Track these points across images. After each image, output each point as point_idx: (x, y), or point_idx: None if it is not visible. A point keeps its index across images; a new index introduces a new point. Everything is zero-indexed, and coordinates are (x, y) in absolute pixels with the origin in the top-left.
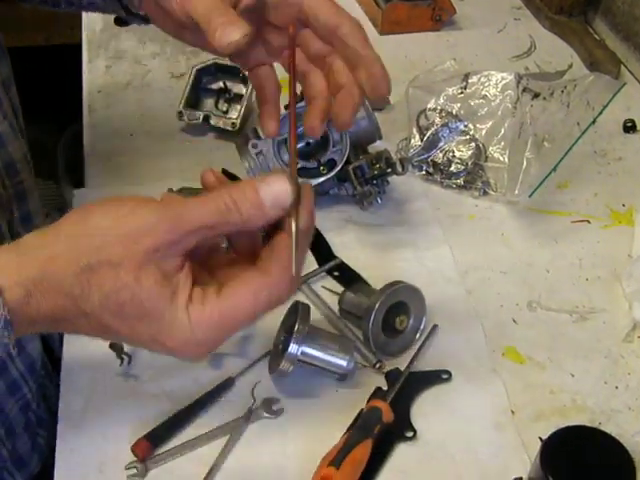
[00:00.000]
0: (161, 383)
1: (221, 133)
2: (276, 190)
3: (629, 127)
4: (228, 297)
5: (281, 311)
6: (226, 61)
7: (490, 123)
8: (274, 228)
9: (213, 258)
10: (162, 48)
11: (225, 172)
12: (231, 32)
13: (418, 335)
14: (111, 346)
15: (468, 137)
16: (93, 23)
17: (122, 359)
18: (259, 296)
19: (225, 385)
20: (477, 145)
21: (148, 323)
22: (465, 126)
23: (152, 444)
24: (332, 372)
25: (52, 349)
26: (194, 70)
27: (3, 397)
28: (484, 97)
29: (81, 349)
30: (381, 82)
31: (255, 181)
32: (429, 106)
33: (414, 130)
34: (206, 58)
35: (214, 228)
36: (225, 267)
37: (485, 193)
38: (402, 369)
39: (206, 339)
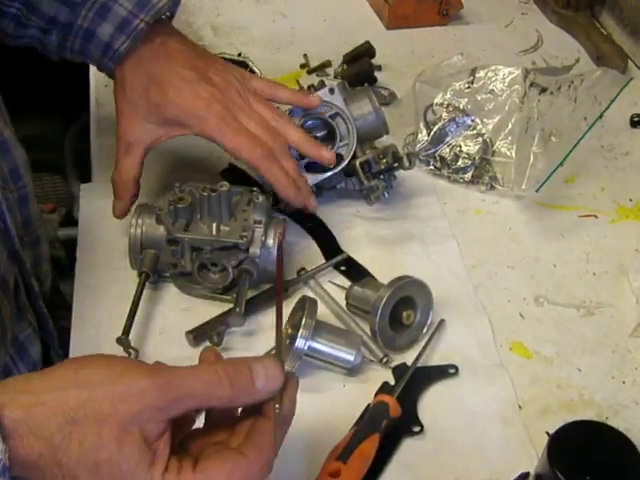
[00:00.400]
0: None
1: None
2: (270, 374)
3: (636, 122)
4: (203, 472)
5: (288, 306)
6: (234, 55)
7: (497, 118)
8: (253, 406)
9: (187, 427)
10: None
11: (232, 167)
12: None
13: (425, 330)
14: (118, 340)
15: (475, 132)
16: None
17: (129, 353)
18: (233, 476)
19: None
20: (484, 140)
21: None
22: (472, 121)
23: None
24: (339, 367)
25: (52, 351)
26: None
27: None
28: (491, 92)
29: (89, 341)
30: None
31: (250, 361)
32: (436, 101)
33: (421, 125)
34: (213, 52)
35: (202, 400)
36: (198, 438)
37: (492, 188)
38: (409, 364)
39: None
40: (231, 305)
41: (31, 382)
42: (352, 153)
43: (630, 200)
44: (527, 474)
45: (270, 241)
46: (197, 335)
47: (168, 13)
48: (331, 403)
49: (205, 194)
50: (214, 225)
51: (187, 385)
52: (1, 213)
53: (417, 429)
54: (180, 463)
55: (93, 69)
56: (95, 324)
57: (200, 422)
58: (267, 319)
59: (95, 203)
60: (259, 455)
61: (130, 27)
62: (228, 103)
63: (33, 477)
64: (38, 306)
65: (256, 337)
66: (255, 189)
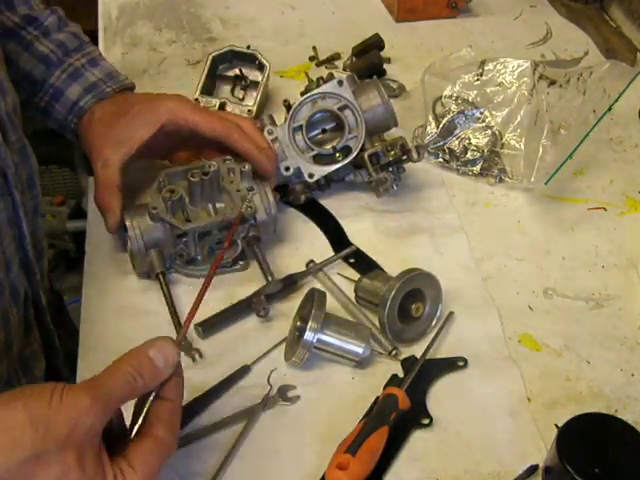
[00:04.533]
0: None
1: None
2: (165, 352)
3: None
4: (139, 465)
5: (297, 299)
6: (242, 48)
7: (506, 110)
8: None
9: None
10: (178, 35)
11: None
12: None
13: (434, 322)
14: (182, 347)
15: (484, 124)
16: (109, 10)
17: (193, 357)
18: (161, 456)
19: (241, 372)
20: (493, 132)
21: None
22: (481, 113)
23: None
24: (348, 359)
25: (57, 369)
26: (210, 57)
27: None
28: (500, 84)
29: (97, 338)
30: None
31: (145, 348)
32: (445, 93)
33: (430, 117)
34: (222, 45)
35: (127, 398)
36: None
37: (501, 180)
38: (418, 356)
39: None
40: (241, 274)
41: None
42: (360, 145)
43: (639, 192)
44: (536, 466)
45: (270, 198)
46: (206, 327)
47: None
48: (340, 395)
49: (197, 179)
50: (209, 206)
51: (115, 392)
52: (18, 219)
53: (426, 421)
54: (119, 467)
55: None
56: (104, 317)
57: None
58: (278, 311)
59: None
60: (169, 432)
61: (97, 90)
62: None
63: None
64: (45, 321)
65: (267, 328)
66: (228, 157)
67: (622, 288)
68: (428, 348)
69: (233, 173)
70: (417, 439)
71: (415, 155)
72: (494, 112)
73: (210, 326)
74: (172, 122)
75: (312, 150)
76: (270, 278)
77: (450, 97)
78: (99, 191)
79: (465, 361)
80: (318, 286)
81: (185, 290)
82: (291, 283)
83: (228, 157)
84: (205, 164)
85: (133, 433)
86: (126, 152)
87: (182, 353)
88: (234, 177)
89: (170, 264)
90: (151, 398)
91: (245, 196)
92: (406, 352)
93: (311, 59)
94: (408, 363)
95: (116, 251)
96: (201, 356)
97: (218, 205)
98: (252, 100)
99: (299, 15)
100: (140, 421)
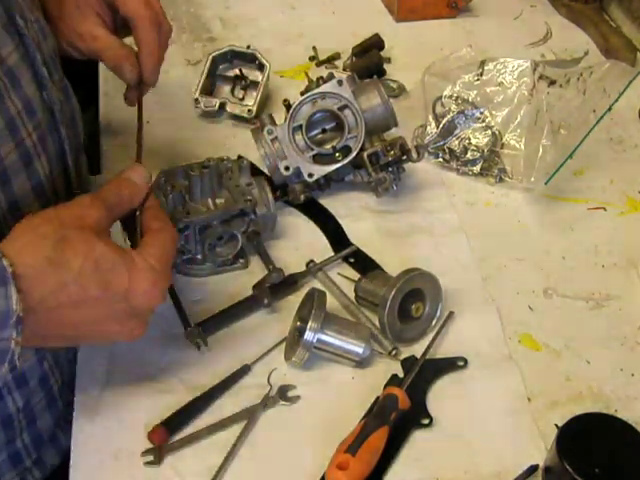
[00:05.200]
0: (177, 370)
1: (237, 120)
2: (134, 170)
3: None
4: (151, 240)
5: (297, 299)
6: (242, 48)
7: (506, 110)
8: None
9: None
10: (178, 35)
11: (253, 167)
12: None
13: (434, 322)
14: (187, 334)
15: (484, 124)
16: None
17: (198, 344)
18: (172, 243)
19: (241, 372)
20: (493, 132)
21: (120, 272)
22: (481, 113)
23: (168, 431)
24: (348, 359)
25: None
26: (210, 57)
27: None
28: (500, 84)
29: (95, 365)
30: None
31: (119, 176)
32: (445, 93)
33: (430, 117)
34: (222, 45)
35: (119, 206)
36: None
37: (501, 180)
38: (418, 356)
39: (158, 264)
40: (241, 273)
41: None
42: (360, 145)
43: (639, 192)
44: (536, 466)
45: (270, 196)
46: (206, 327)
47: None
48: (340, 395)
49: (197, 173)
50: (209, 200)
51: (110, 197)
52: (63, 152)
53: (426, 421)
54: (137, 252)
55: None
56: None
57: None
58: (278, 310)
59: None
60: (167, 222)
61: None
62: None
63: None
64: None
65: (267, 328)
66: (226, 157)
67: (622, 288)
68: (428, 348)
69: (232, 171)
70: (417, 439)
71: (415, 155)
72: (494, 112)
73: (210, 326)
74: None
75: (312, 150)
76: (271, 267)
77: (450, 97)
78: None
79: (465, 361)
80: (318, 286)
81: (185, 289)
82: (291, 283)
83: (226, 157)
84: (204, 160)
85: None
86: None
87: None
88: (232, 174)
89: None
90: (138, 213)
91: (246, 190)
92: (406, 352)
93: (311, 59)
94: (408, 363)
95: None
96: (206, 344)
97: (218, 200)
98: (252, 100)
99: (299, 15)
100: (138, 229)
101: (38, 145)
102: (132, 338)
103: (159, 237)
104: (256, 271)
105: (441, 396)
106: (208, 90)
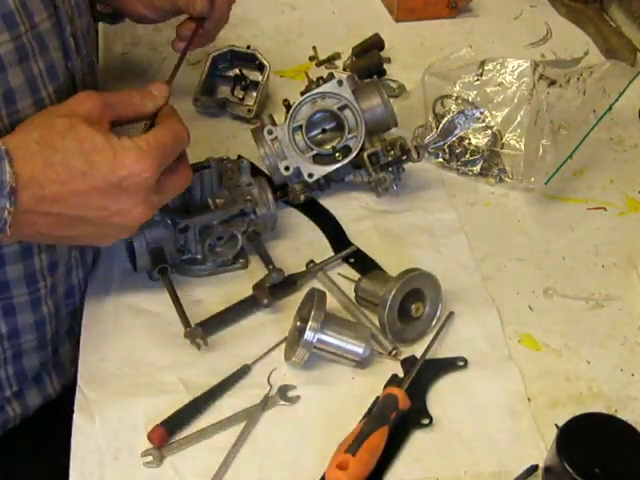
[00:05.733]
0: (177, 370)
1: (237, 120)
2: (158, 87)
3: None
4: (154, 131)
5: (297, 299)
6: (242, 48)
7: (506, 110)
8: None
9: None
10: None
11: (253, 167)
12: None
13: (434, 322)
14: (187, 333)
15: (484, 124)
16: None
17: (199, 345)
18: (173, 129)
19: (241, 372)
20: (493, 132)
21: (104, 151)
22: (481, 113)
23: (168, 431)
24: (348, 359)
25: None
26: (210, 57)
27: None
28: (500, 84)
29: (98, 337)
30: None
31: (141, 88)
32: (445, 93)
33: (430, 117)
34: (222, 45)
35: (126, 106)
36: None
37: (501, 180)
38: (418, 356)
39: (153, 148)
40: (241, 273)
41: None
42: (360, 145)
43: (639, 192)
44: (536, 466)
45: (270, 196)
46: (206, 327)
47: None
48: (340, 395)
49: (197, 173)
50: (209, 200)
51: (114, 95)
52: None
53: (426, 421)
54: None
55: (102, 62)
56: (105, 317)
57: None
58: (278, 310)
59: None
60: (175, 124)
61: None
62: None
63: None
64: None
65: (267, 328)
66: (226, 157)
67: (622, 288)
68: (428, 348)
69: (232, 171)
70: (417, 439)
71: (415, 155)
72: (494, 112)
73: (210, 326)
74: None
75: (312, 150)
76: (271, 267)
77: (450, 97)
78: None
79: (465, 361)
80: (318, 286)
81: (185, 290)
82: (291, 283)
83: (226, 157)
84: (204, 160)
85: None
86: None
87: (188, 340)
88: (232, 174)
89: (171, 263)
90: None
91: (246, 191)
92: (406, 352)
93: (311, 59)
94: (408, 363)
95: (116, 251)
96: (206, 344)
97: (218, 200)
98: (252, 100)
99: (299, 15)
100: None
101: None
102: (133, 220)
103: (158, 128)
104: (256, 271)
105: (441, 396)
106: (208, 90)
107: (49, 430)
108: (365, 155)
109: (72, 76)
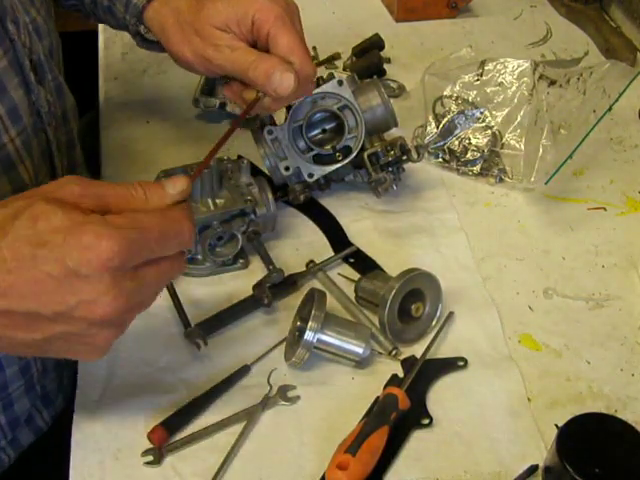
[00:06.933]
0: (177, 370)
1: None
2: (175, 180)
3: None
4: (138, 211)
5: (297, 299)
6: None
7: (506, 110)
8: None
9: None
10: None
11: (253, 167)
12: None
13: (434, 322)
14: (187, 334)
15: (484, 124)
16: None
17: (199, 345)
18: (168, 217)
19: (241, 372)
20: (493, 132)
21: (60, 228)
22: (481, 113)
23: (168, 431)
24: (348, 359)
25: None
26: None
27: None
28: (500, 84)
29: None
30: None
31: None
32: (445, 93)
33: (430, 117)
34: None
35: (119, 199)
36: None
37: (501, 180)
38: (418, 356)
39: (120, 233)
40: (241, 273)
41: None
42: (360, 145)
43: (639, 192)
44: (536, 466)
45: (270, 196)
46: (206, 327)
47: None
48: (340, 395)
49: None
50: (209, 201)
51: (104, 185)
52: (50, 153)
53: (426, 421)
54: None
55: (102, 62)
56: None
57: None
58: (278, 311)
59: None
60: (186, 212)
61: None
62: None
63: None
64: None
65: (267, 328)
66: (226, 157)
67: (622, 288)
68: (428, 348)
69: (232, 171)
70: (417, 439)
71: (415, 155)
72: (494, 112)
73: (210, 326)
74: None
75: (312, 150)
76: (272, 267)
77: (450, 97)
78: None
79: (465, 361)
80: (318, 286)
81: (185, 290)
82: (291, 283)
83: (226, 157)
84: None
85: None
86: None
87: (186, 340)
88: (232, 174)
89: None
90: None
91: (246, 191)
92: (406, 352)
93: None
94: (408, 363)
95: None
96: (206, 344)
97: (218, 200)
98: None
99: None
100: None
101: (22, 150)
102: (101, 315)
103: (149, 210)
104: (256, 271)
105: (441, 396)
106: (208, 90)
107: (42, 461)
108: (365, 155)
109: (37, 111)
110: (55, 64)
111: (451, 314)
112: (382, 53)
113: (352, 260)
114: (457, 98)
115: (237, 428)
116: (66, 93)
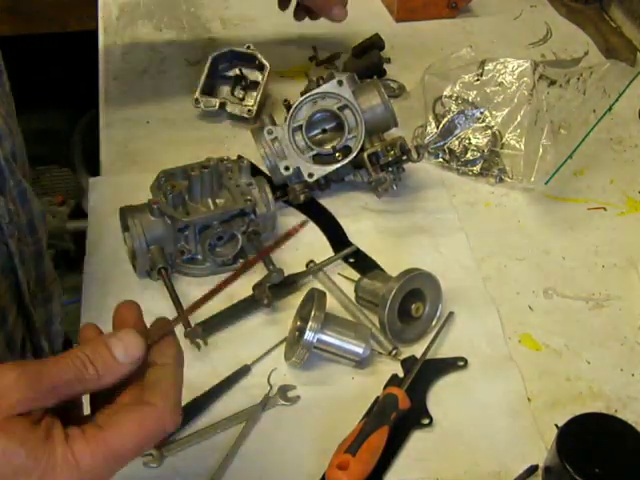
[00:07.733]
0: None
1: (237, 120)
2: (127, 343)
3: None
4: (113, 427)
5: (297, 299)
6: (242, 48)
7: (506, 110)
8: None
9: (74, 411)
10: (178, 35)
11: (253, 167)
12: None
13: (434, 322)
14: (188, 334)
15: (484, 124)
16: (109, 10)
17: (199, 345)
18: (145, 425)
19: (241, 372)
20: (493, 132)
21: (26, 472)
22: (481, 113)
23: None
24: (348, 359)
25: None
26: (210, 57)
27: None
28: (500, 84)
29: None
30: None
31: (105, 337)
32: (445, 93)
33: (430, 117)
34: (222, 45)
35: (72, 385)
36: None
37: (501, 180)
38: (418, 356)
39: (93, 473)
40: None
41: None
42: (360, 145)
43: (639, 192)
44: (536, 466)
45: (270, 196)
46: (206, 327)
47: None
48: (340, 395)
49: (197, 173)
50: (209, 201)
51: (52, 373)
52: (13, 266)
53: (426, 421)
54: (81, 428)
55: (102, 62)
56: (104, 318)
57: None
58: (278, 311)
59: (104, 197)
60: (166, 400)
61: None
62: None
63: None
64: None
65: (267, 328)
66: (226, 157)
67: (622, 288)
68: (428, 348)
69: (232, 171)
70: (417, 439)
71: (415, 155)
72: (494, 112)
73: (210, 326)
74: None
75: (312, 150)
76: (272, 267)
77: (450, 97)
78: None
79: (465, 361)
80: (318, 286)
81: (185, 290)
82: (291, 283)
83: (226, 157)
84: (204, 160)
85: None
86: None
87: (187, 341)
88: (232, 174)
89: (171, 263)
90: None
91: (246, 190)
92: (406, 352)
93: (311, 59)
94: (408, 363)
95: (116, 251)
96: (206, 344)
97: (218, 200)
98: (252, 100)
99: None
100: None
101: None
102: None
103: (120, 420)
104: (256, 271)
105: (441, 396)
106: (208, 90)
107: None
108: (365, 155)
109: None
110: (19, 167)
111: (451, 314)
112: (382, 53)
113: (352, 260)
114: (457, 98)
115: (237, 428)
116: (31, 199)
